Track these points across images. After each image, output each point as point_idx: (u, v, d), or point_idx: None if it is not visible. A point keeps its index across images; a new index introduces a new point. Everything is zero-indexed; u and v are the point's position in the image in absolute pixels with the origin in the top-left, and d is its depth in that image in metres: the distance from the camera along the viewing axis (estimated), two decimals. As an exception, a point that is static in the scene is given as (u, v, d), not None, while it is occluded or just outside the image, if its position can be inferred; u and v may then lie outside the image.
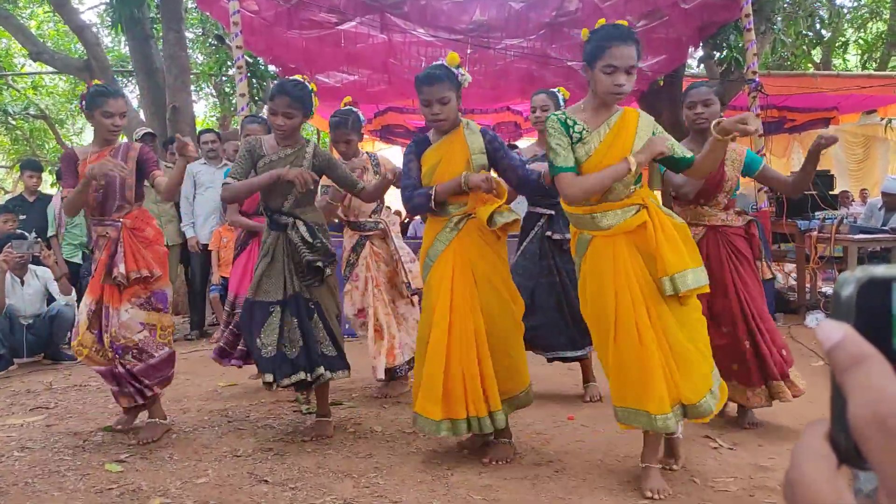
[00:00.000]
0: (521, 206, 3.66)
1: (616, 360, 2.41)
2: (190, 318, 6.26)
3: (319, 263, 3.03)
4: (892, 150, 12.03)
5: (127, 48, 9.38)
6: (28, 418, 3.62)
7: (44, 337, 5.08)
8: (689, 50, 6.94)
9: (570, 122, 2.45)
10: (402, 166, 2.86)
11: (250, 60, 6.75)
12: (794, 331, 5.34)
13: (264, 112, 5.92)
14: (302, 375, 3.01)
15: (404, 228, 7.09)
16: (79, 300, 4.05)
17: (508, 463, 2.76)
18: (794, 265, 6.52)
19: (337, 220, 3.95)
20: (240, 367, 3.86)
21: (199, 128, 8.15)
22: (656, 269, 2.37)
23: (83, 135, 16.78)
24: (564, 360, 3.73)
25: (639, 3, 6.27)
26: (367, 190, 3.27)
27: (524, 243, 3.65)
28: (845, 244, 5.67)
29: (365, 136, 10.15)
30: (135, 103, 8.84)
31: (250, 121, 4.19)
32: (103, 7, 10.16)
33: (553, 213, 3.60)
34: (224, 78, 9.84)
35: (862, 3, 12.77)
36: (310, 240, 3.02)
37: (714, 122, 2.38)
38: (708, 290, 2.48)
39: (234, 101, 7.50)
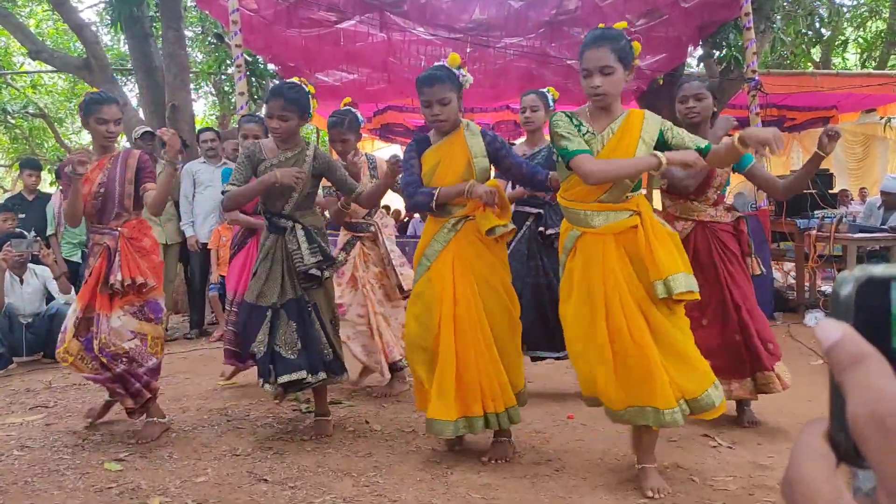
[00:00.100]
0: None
1: (618, 363, 2.39)
2: (189, 317, 6.26)
3: (314, 271, 3.02)
4: (891, 149, 12.03)
5: (126, 46, 9.37)
6: (27, 417, 3.62)
7: (43, 336, 5.08)
8: (689, 49, 6.94)
9: (575, 122, 2.45)
10: (402, 163, 2.85)
11: (249, 59, 6.74)
12: (793, 329, 5.35)
13: (263, 111, 5.92)
14: (303, 374, 3.01)
15: (404, 227, 7.09)
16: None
17: (508, 462, 2.76)
18: (794, 264, 6.53)
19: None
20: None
21: (198, 126, 8.13)
22: (647, 272, 2.37)
23: (82, 133, 16.76)
24: (544, 359, 3.77)
25: (638, 2, 6.27)
26: (364, 194, 3.25)
27: (512, 243, 3.66)
28: (844, 243, 5.68)
29: (364, 135, 10.19)
30: (134, 102, 8.84)
31: (247, 120, 4.19)
32: (102, 5, 10.16)
33: (541, 211, 3.60)
34: (223, 76, 9.82)
35: (861, 1, 12.76)
36: (307, 245, 3.02)
37: (739, 134, 2.30)
38: (698, 298, 2.46)
39: (233, 100, 7.49)
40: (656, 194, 2.83)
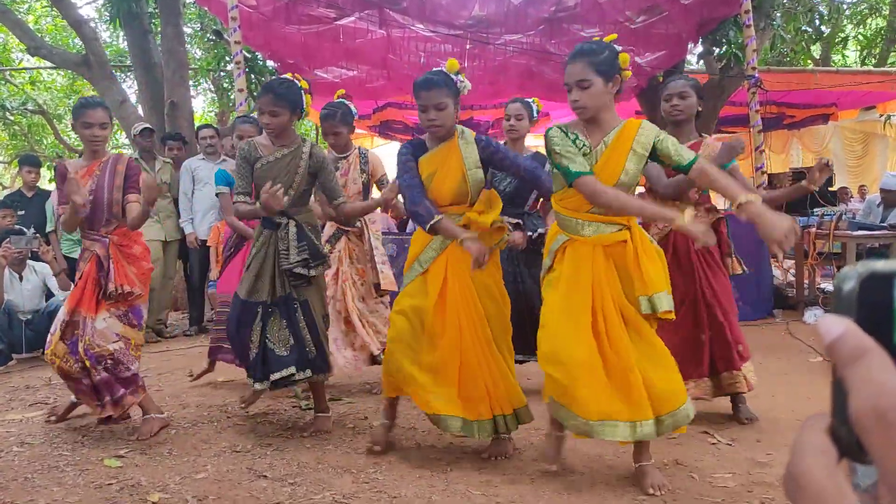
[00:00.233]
0: None
1: (598, 371, 2.36)
2: (189, 314, 6.27)
3: (299, 270, 3.02)
4: (890, 147, 12.04)
5: (125, 43, 9.36)
6: (27, 414, 3.62)
7: (42, 332, 5.05)
8: (689, 46, 6.94)
9: (571, 135, 2.43)
10: (399, 164, 2.82)
11: (248, 56, 6.74)
12: (792, 327, 5.36)
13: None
14: (293, 370, 3.02)
15: (403, 224, 7.07)
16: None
17: (508, 458, 2.77)
18: (793, 261, 6.53)
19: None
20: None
21: (197, 123, 8.12)
22: (633, 287, 2.37)
23: (81, 130, 16.69)
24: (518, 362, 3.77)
25: (638, -1, 6.27)
26: (346, 206, 3.22)
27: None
28: (844, 241, 5.68)
29: (364, 131, 10.19)
30: (133, 98, 8.83)
31: (243, 121, 4.18)
32: (101, 2, 10.13)
33: (520, 221, 3.57)
34: (222, 73, 9.82)
35: (861, -2, 12.76)
36: (296, 243, 3.02)
37: (748, 214, 2.10)
38: (674, 317, 2.49)
39: (232, 97, 7.49)
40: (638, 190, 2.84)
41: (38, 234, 5.22)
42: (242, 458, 2.85)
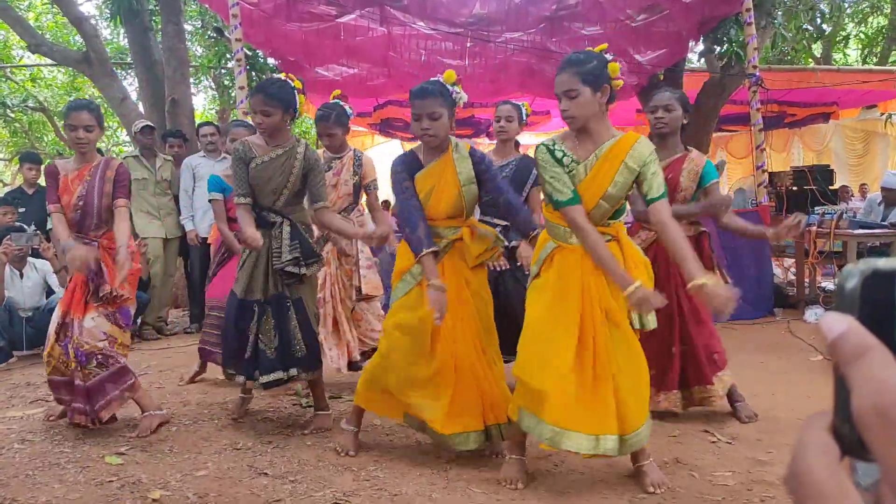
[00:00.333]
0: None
1: (578, 381, 2.35)
2: (189, 312, 6.27)
3: (290, 268, 3.02)
4: (891, 146, 12.03)
5: (126, 40, 9.35)
6: (28, 411, 3.63)
7: (43, 329, 5.03)
8: (690, 44, 6.93)
9: (558, 154, 2.42)
10: (394, 184, 2.75)
11: (249, 53, 6.72)
12: (792, 326, 5.36)
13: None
14: (280, 374, 3.03)
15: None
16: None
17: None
18: (794, 260, 6.53)
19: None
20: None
21: (198, 120, 8.12)
22: (620, 296, 2.34)
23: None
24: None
25: (639, -3, 6.27)
26: (325, 214, 3.16)
27: None
28: (844, 239, 5.68)
29: (364, 129, 10.17)
30: (134, 96, 8.82)
31: (237, 125, 4.17)
32: (102, -1, 10.13)
33: (506, 223, 3.55)
34: (223, 70, 9.82)
35: (863, -3, 12.74)
36: (288, 242, 3.02)
37: (693, 285, 2.17)
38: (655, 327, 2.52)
39: (233, 94, 7.49)
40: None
41: (38, 232, 5.22)
42: (243, 456, 2.86)
